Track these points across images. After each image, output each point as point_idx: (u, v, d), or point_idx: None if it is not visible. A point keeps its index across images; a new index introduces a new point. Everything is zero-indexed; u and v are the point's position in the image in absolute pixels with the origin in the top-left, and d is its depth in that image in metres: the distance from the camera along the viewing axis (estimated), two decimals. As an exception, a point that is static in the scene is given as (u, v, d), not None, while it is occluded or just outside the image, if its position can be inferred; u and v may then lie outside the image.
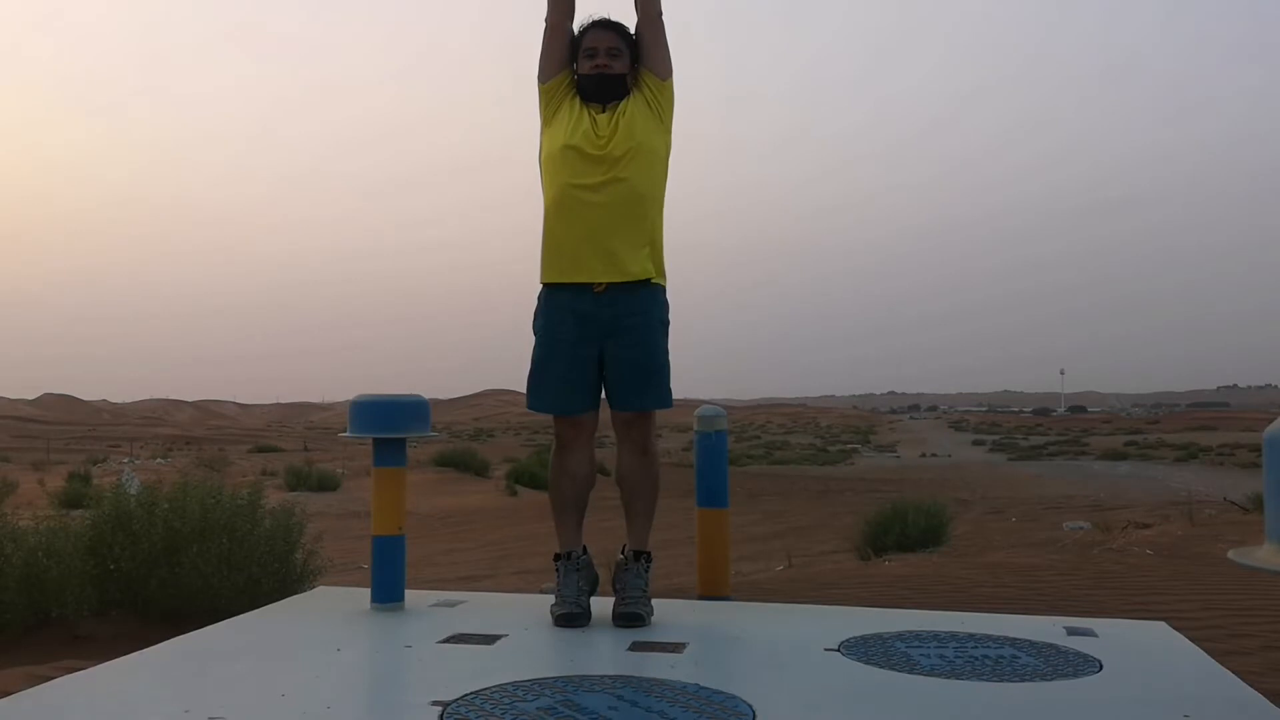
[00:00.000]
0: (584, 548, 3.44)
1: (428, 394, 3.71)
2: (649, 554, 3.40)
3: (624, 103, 3.36)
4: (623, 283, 3.28)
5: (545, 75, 3.43)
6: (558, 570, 3.36)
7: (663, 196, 3.42)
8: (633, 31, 3.44)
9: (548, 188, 3.38)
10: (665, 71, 3.40)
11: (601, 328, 3.29)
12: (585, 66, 3.39)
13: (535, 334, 3.41)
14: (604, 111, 3.35)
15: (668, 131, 3.43)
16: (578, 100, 3.40)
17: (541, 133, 3.46)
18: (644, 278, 3.31)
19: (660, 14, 3.40)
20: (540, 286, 3.42)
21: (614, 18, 3.47)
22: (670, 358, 3.40)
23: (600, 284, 3.27)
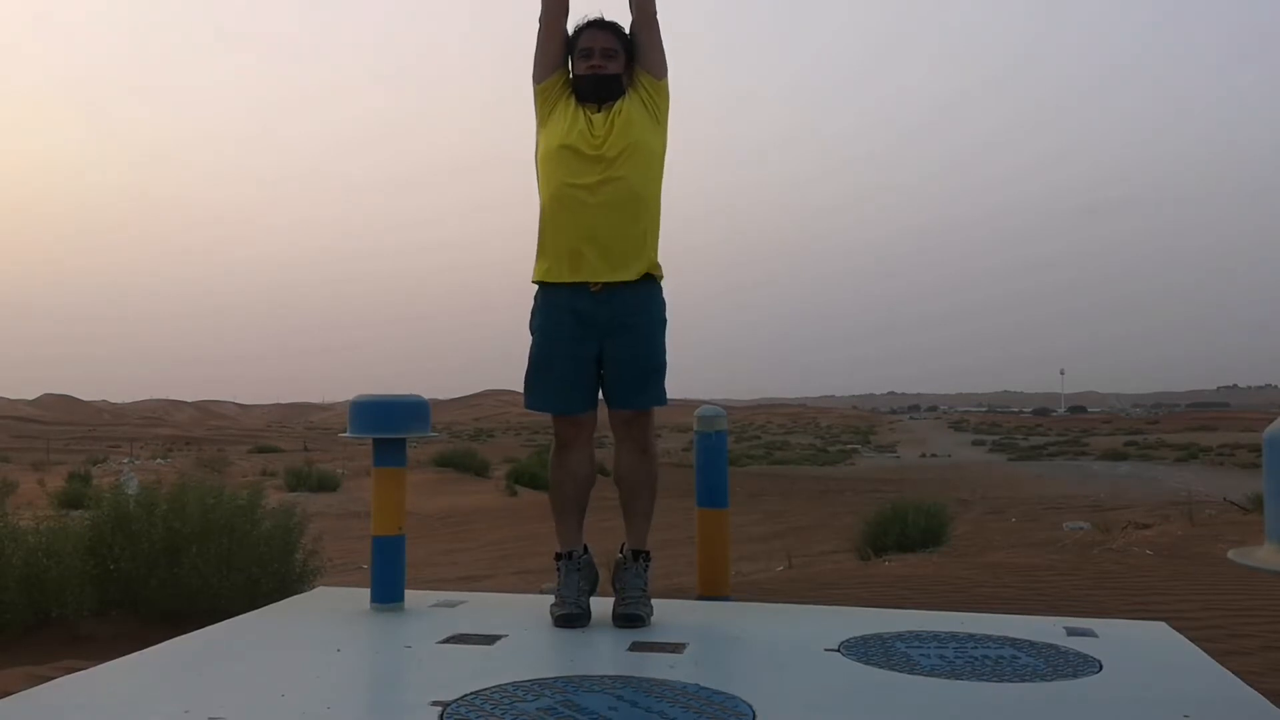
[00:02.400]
0: (585, 547, 3.44)
1: (428, 394, 3.71)
2: (648, 553, 3.40)
3: (620, 102, 3.36)
4: (621, 281, 3.28)
5: (540, 75, 3.43)
6: (559, 570, 3.36)
7: (659, 195, 3.42)
8: (628, 31, 3.44)
9: (544, 187, 3.38)
10: (661, 71, 3.40)
11: (600, 327, 3.29)
12: (581, 67, 3.38)
13: (532, 333, 3.40)
14: (600, 111, 3.35)
15: (664, 131, 3.42)
16: (573, 100, 3.40)
17: (537, 132, 3.46)
18: (642, 275, 3.31)
19: (655, 14, 3.40)
20: (536, 286, 3.42)
21: (608, 17, 3.47)
22: (667, 356, 3.41)
23: (597, 284, 3.28)
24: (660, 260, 3.40)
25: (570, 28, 3.44)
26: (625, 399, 3.34)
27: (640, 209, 3.32)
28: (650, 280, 3.35)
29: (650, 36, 3.39)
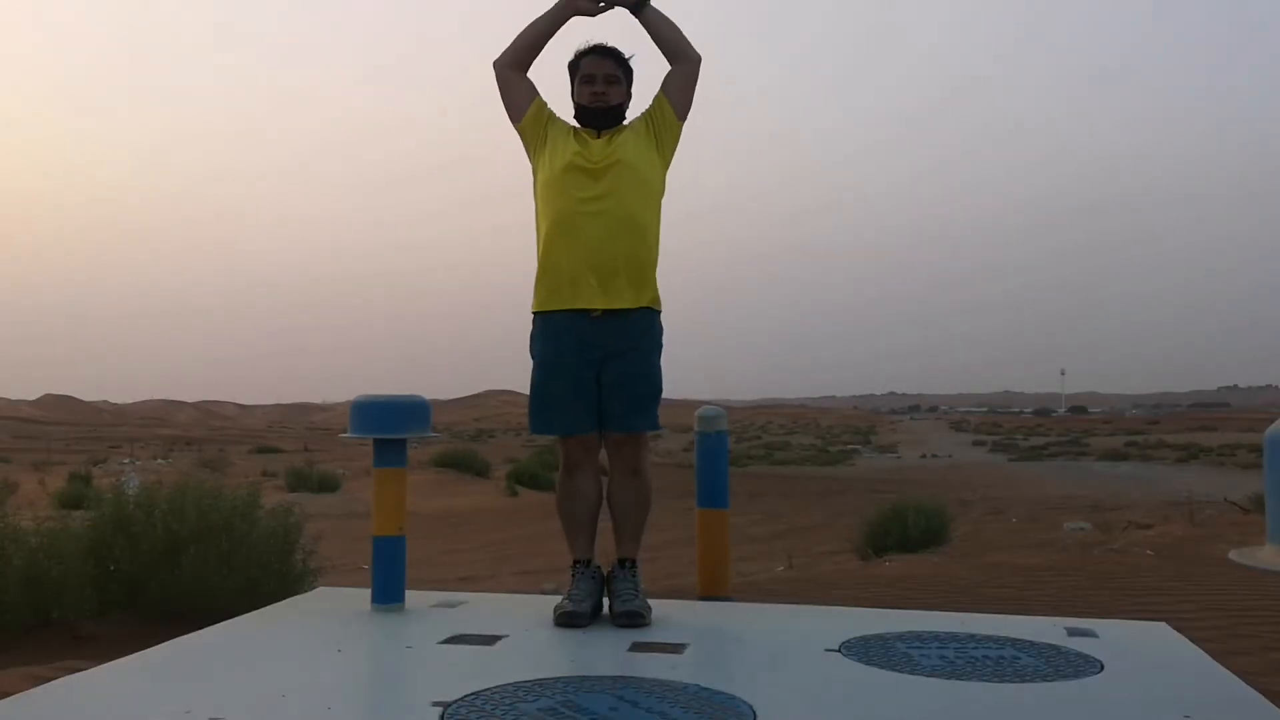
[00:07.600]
0: (589, 560, 3.46)
1: (428, 394, 3.71)
2: (634, 560, 3.42)
3: (623, 129, 3.39)
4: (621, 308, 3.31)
5: (516, 115, 3.44)
6: (573, 575, 3.39)
7: (658, 225, 3.42)
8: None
9: (545, 213, 3.38)
10: (683, 112, 3.43)
11: (599, 350, 3.31)
12: (583, 95, 3.39)
13: (534, 357, 3.42)
14: (599, 137, 3.37)
15: (663, 164, 3.43)
16: (567, 124, 3.42)
17: (534, 166, 3.46)
18: (641, 306, 3.34)
19: (699, 59, 3.42)
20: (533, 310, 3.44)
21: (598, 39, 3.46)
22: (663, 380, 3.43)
23: (597, 310, 3.29)
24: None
25: (572, 51, 3.44)
26: (619, 422, 3.36)
27: (638, 235, 3.32)
28: (649, 309, 3.38)
29: (689, 80, 3.41)
